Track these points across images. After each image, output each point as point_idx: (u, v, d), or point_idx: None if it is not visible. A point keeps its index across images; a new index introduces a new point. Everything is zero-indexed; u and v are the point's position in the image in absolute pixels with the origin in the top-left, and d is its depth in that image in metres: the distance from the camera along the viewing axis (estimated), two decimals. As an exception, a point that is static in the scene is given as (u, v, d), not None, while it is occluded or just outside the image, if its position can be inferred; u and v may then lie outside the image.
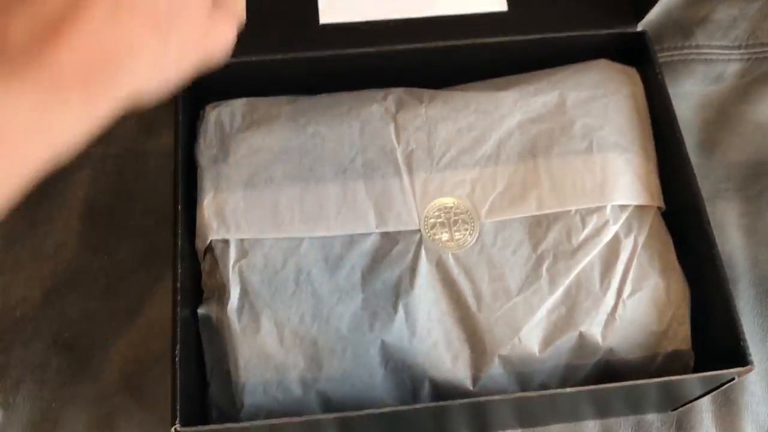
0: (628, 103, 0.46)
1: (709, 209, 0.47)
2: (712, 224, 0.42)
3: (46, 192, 0.51)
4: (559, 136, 0.44)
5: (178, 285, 0.39)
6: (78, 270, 0.50)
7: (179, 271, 0.40)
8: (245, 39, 0.45)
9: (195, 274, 0.43)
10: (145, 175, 0.52)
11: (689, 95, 0.55)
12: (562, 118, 0.45)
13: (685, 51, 0.56)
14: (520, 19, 0.47)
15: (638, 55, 0.47)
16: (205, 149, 0.44)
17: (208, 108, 0.46)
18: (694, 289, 0.43)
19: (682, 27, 0.57)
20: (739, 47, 0.57)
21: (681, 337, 0.42)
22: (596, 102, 0.45)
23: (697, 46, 0.56)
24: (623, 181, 0.43)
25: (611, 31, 0.47)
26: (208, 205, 0.43)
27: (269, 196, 0.43)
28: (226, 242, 0.42)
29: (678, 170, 0.44)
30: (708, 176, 0.52)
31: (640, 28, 0.47)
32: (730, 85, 0.56)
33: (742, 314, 0.43)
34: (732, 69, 0.56)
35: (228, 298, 0.41)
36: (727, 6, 0.57)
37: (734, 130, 0.54)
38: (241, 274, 0.41)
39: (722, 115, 0.54)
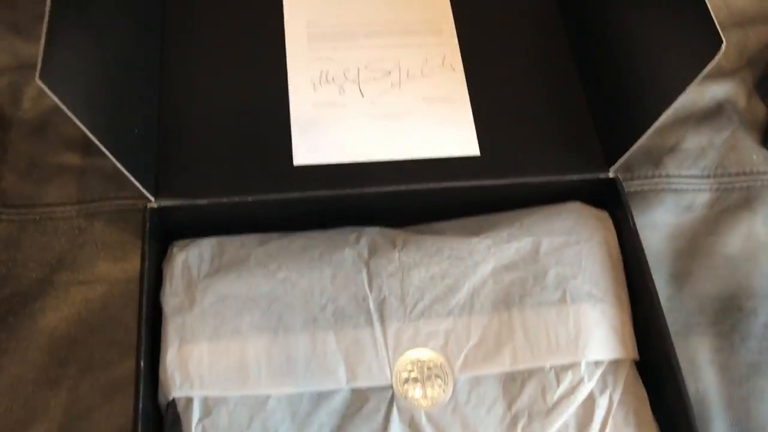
0: (601, 250, 0.46)
1: (682, 344, 0.47)
2: (685, 360, 0.41)
3: (5, 321, 0.49)
4: (532, 285, 0.44)
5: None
6: (34, 407, 0.47)
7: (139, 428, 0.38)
8: (219, 180, 0.45)
9: (158, 428, 0.41)
10: (110, 305, 0.50)
11: (660, 225, 0.55)
12: (535, 266, 0.44)
13: (655, 180, 0.56)
14: (492, 163, 0.47)
15: (610, 199, 0.47)
16: (171, 296, 0.43)
17: (175, 249, 0.45)
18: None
19: (651, 156, 0.58)
20: (708, 177, 0.57)
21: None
22: (569, 249, 0.45)
23: (668, 176, 0.56)
24: (598, 334, 0.43)
25: (582, 176, 0.47)
26: (171, 360, 0.41)
27: (235, 349, 0.41)
28: (189, 399, 0.40)
29: (650, 321, 0.43)
30: (680, 309, 0.51)
31: (611, 173, 0.47)
32: (700, 215, 0.55)
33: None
34: (701, 199, 0.56)
35: None
36: (696, 135, 0.58)
37: (704, 262, 0.53)
38: None
39: (693, 245, 0.54)
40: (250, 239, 0.45)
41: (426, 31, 0.52)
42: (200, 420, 0.40)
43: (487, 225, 0.46)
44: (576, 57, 0.51)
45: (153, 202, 0.44)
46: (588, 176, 0.47)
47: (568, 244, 0.45)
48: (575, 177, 0.47)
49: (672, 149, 0.58)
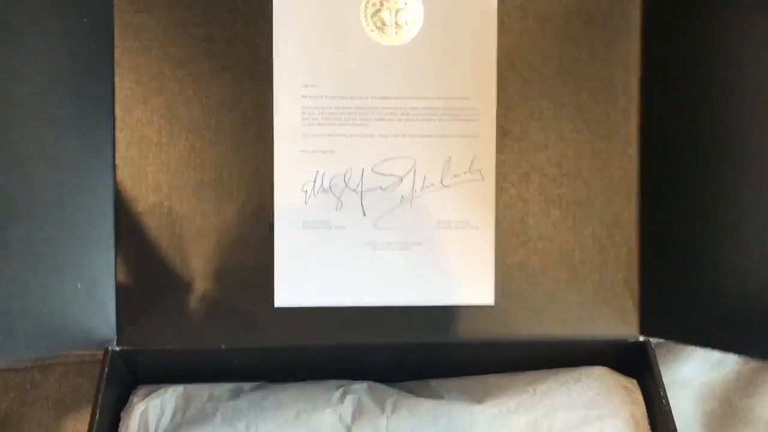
0: (628, 427, 0.39)
1: None
2: None
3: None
4: None
5: None
6: None
7: None
8: (188, 322, 0.39)
9: None
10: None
11: (688, 383, 0.48)
12: None
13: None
14: (507, 315, 0.40)
15: (638, 366, 0.41)
16: None
17: (135, 398, 0.40)
18: None
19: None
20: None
21: None
22: (590, 425, 0.39)
23: (696, 325, 0.48)
24: None
25: (609, 337, 0.40)
26: None
27: None
28: None
29: None
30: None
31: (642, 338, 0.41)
32: (734, 371, 0.48)
33: None
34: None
35: None
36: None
37: (743, 429, 0.47)
38: None
39: (727, 408, 0.48)
40: (219, 390, 0.40)
41: (457, 114, 0.40)
42: None
43: (494, 389, 0.40)
44: (643, 211, 0.41)
45: (114, 345, 0.39)
46: (615, 338, 0.40)
47: (587, 420, 0.39)
48: (601, 338, 0.40)
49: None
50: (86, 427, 0.43)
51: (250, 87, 0.40)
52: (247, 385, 0.40)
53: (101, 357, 0.38)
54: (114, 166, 0.39)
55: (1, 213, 0.34)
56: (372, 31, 0.40)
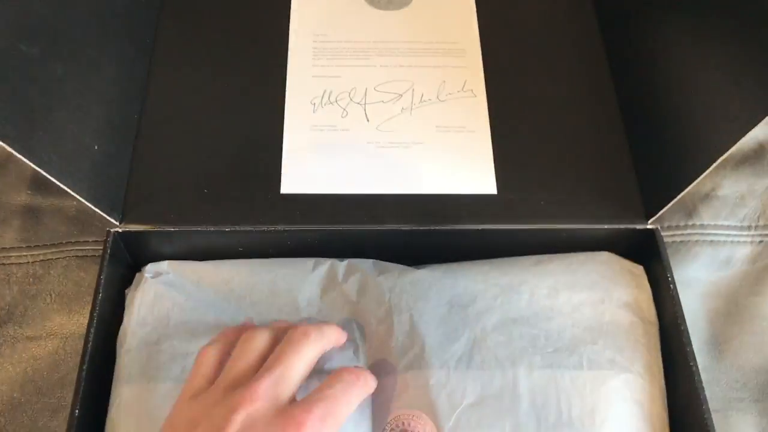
0: (631, 311, 0.39)
1: (720, 424, 0.40)
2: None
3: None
4: (544, 345, 0.37)
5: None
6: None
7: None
8: (194, 206, 0.39)
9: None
10: (61, 363, 0.43)
11: (694, 282, 0.48)
12: (548, 324, 0.38)
13: (688, 231, 0.50)
14: (510, 204, 0.40)
15: (646, 253, 0.41)
16: (137, 327, 0.37)
17: (146, 274, 0.39)
18: None
19: (684, 204, 0.51)
20: (748, 228, 0.51)
21: None
22: (591, 308, 0.38)
23: (702, 226, 0.50)
24: (619, 409, 0.36)
25: (616, 226, 0.40)
26: (128, 398, 0.35)
27: None
28: None
29: (686, 400, 0.36)
30: (719, 381, 0.45)
31: (650, 224, 0.41)
32: (740, 271, 0.49)
33: None
34: (741, 253, 0.50)
35: None
36: (734, 180, 0.52)
37: (747, 327, 0.47)
38: None
39: (733, 307, 0.48)
40: (232, 266, 0.39)
41: (447, 52, 0.46)
42: None
43: (498, 270, 0.40)
44: (618, 92, 0.45)
45: (118, 226, 0.38)
46: (622, 226, 0.40)
47: (591, 302, 0.38)
48: (606, 226, 0.40)
49: (707, 196, 0.51)
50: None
51: (269, 30, 0.45)
52: (257, 263, 0.40)
53: (103, 250, 0.38)
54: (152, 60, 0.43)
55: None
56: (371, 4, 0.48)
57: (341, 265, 0.40)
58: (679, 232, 0.50)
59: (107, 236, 0.38)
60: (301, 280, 0.39)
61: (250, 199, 0.39)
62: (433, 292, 0.38)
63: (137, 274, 0.39)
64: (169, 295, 0.38)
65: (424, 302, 0.38)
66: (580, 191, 0.41)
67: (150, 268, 0.39)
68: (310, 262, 0.40)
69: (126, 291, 0.39)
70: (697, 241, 0.50)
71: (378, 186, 0.40)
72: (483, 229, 0.39)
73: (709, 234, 0.50)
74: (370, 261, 0.40)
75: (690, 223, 0.50)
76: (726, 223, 0.50)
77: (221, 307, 0.38)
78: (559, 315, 0.38)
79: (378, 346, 0.37)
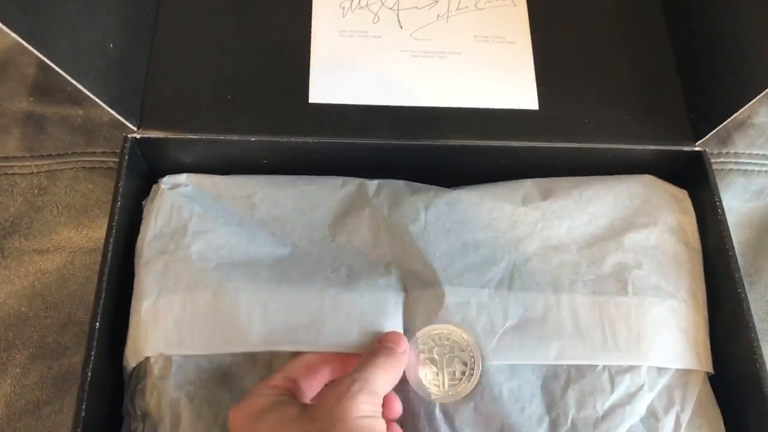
0: (676, 236, 0.37)
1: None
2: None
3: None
4: (586, 271, 0.36)
5: (83, 415, 0.30)
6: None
7: (86, 395, 0.30)
8: (217, 113, 0.36)
9: (110, 401, 0.33)
10: (69, 278, 0.41)
11: (726, 211, 0.47)
12: (591, 250, 0.36)
13: (722, 160, 0.49)
14: (552, 121, 0.38)
15: (693, 176, 0.39)
16: (154, 239, 0.35)
17: (164, 185, 0.37)
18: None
19: (718, 131, 0.49)
20: (783, 158, 0.49)
21: None
22: (636, 232, 0.37)
23: (736, 155, 0.49)
24: (665, 336, 0.35)
25: (661, 147, 0.38)
26: (147, 311, 0.33)
27: (226, 301, 0.33)
28: (167, 359, 0.33)
29: (735, 329, 0.35)
30: (749, 312, 0.44)
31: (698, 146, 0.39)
32: None
33: None
34: (775, 183, 0.48)
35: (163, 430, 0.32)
36: (770, 109, 0.50)
37: None
38: (185, 401, 0.32)
39: (765, 237, 0.47)
40: (255, 181, 0.37)
41: (485, -44, 0.42)
42: (181, 383, 0.32)
43: (537, 193, 0.38)
44: (667, 9, 0.42)
45: (135, 132, 0.36)
46: (668, 147, 0.38)
47: (634, 226, 0.37)
48: (652, 147, 0.38)
49: (743, 124, 0.49)
50: (98, 234, 0.39)
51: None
52: (283, 180, 0.38)
53: (116, 161, 0.35)
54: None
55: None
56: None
57: (372, 184, 0.37)
58: (713, 160, 0.48)
59: (124, 142, 0.35)
60: (329, 196, 0.37)
61: (277, 108, 0.37)
62: (471, 213, 0.37)
63: (154, 186, 0.37)
64: (188, 206, 0.36)
65: (461, 224, 0.36)
66: (626, 110, 0.39)
67: (167, 180, 0.37)
68: (338, 180, 0.38)
69: (143, 203, 0.37)
70: (730, 170, 0.48)
71: (411, 98, 0.38)
72: (522, 147, 0.37)
73: (743, 163, 0.49)
74: (402, 181, 0.38)
75: (724, 151, 0.49)
76: (761, 152, 0.49)
77: (241, 220, 0.36)
78: (601, 241, 0.37)
79: (411, 259, 0.35)
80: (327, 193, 0.37)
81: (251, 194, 0.37)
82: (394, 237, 0.36)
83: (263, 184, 0.37)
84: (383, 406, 0.30)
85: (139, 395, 0.33)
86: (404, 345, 0.32)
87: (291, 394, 0.30)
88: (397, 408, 0.32)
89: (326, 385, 0.32)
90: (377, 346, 0.32)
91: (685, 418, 0.34)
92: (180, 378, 0.32)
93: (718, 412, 0.35)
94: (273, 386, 0.30)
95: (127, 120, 0.35)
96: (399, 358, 0.31)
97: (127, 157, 0.35)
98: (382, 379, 0.30)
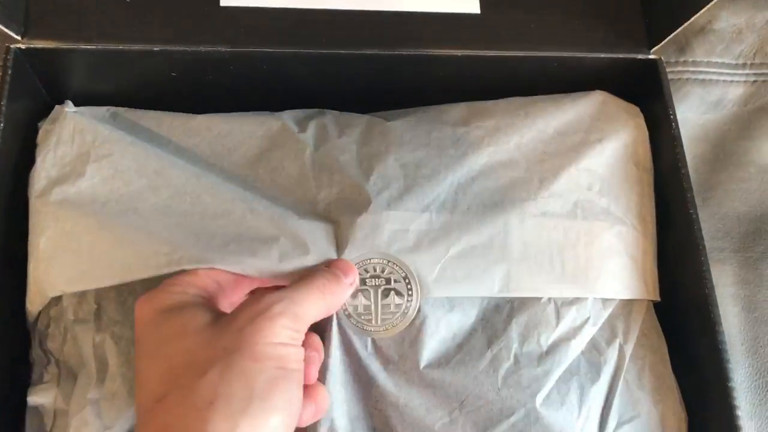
0: (627, 154, 0.35)
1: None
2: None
3: None
4: (536, 190, 0.33)
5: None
6: None
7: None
8: (116, 20, 0.32)
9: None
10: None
11: (681, 124, 0.44)
12: (541, 167, 0.34)
13: (679, 68, 0.46)
14: (496, 27, 0.35)
15: (644, 86, 0.36)
16: (52, 167, 0.31)
17: (66, 108, 0.33)
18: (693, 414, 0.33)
19: (676, 37, 0.46)
20: (743, 66, 0.46)
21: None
22: (587, 149, 0.34)
23: (693, 63, 0.46)
24: (612, 265, 0.33)
25: (613, 55, 0.35)
26: (45, 248, 0.30)
27: (131, 229, 0.30)
28: (80, 296, 0.30)
29: (684, 253, 0.33)
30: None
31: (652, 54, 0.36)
32: (731, 113, 0.46)
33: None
34: (734, 93, 0.46)
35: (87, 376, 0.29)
36: (732, 13, 0.47)
37: (734, 173, 0.44)
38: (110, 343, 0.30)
39: (720, 152, 0.45)
40: (163, 115, 0.34)
41: None
42: (103, 325, 0.30)
43: (482, 112, 0.35)
44: None
45: (20, 42, 0.32)
46: (621, 55, 0.35)
47: (585, 143, 0.34)
48: (603, 55, 0.35)
49: (701, 30, 0.46)
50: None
51: None
52: (196, 118, 0.34)
53: (2, 70, 0.31)
54: None
55: None
56: None
57: (295, 120, 0.34)
58: (669, 69, 0.45)
59: (7, 53, 0.31)
60: (249, 135, 0.33)
61: (184, 13, 0.33)
62: (408, 137, 0.34)
63: (57, 107, 0.33)
64: (92, 128, 0.32)
65: (398, 146, 0.33)
66: (575, 14, 0.36)
67: (71, 105, 0.33)
68: (259, 117, 0.34)
69: (39, 124, 0.32)
70: (687, 79, 0.46)
71: (338, 0, 0.33)
72: (463, 56, 0.34)
73: (700, 72, 0.46)
74: (329, 115, 0.35)
75: (682, 59, 0.46)
76: (720, 60, 0.46)
77: (150, 145, 0.32)
78: (552, 158, 0.34)
79: (344, 188, 0.32)
80: (246, 134, 0.34)
81: (164, 127, 0.33)
82: (323, 169, 0.33)
83: (179, 122, 0.34)
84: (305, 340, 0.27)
85: (51, 340, 0.30)
86: (353, 277, 0.30)
87: (209, 297, 0.27)
88: (318, 348, 0.29)
89: (248, 294, 0.29)
90: (321, 268, 0.29)
91: (628, 350, 0.32)
92: (102, 318, 0.30)
93: (663, 340, 0.34)
94: (190, 283, 0.27)
95: (8, 27, 0.31)
96: (342, 288, 0.29)
97: (10, 71, 0.30)
98: (315, 303, 0.27)
